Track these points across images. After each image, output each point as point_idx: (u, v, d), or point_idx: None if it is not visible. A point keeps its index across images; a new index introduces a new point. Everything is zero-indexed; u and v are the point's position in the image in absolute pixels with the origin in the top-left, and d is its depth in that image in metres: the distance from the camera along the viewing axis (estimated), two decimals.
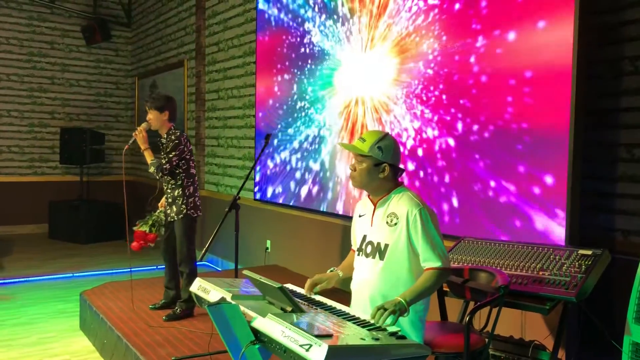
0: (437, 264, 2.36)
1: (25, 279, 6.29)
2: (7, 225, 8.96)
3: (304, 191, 5.40)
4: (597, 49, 3.21)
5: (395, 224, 2.41)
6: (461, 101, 3.75)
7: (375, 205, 2.51)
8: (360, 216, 2.62)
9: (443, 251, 2.40)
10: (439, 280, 2.39)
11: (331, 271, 2.67)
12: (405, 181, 4.03)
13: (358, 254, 2.57)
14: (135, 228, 4.37)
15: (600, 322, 2.95)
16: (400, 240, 2.40)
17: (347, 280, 2.65)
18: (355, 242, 2.65)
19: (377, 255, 2.46)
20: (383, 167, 2.44)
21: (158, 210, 4.41)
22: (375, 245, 2.47)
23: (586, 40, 3.11)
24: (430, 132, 3.98)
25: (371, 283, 2.46)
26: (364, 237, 2.54)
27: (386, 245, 2.43)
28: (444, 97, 3.88)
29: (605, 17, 3.19)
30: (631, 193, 3.09)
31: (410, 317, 2.34)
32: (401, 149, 3.37)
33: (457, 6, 3.78)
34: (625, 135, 3.12)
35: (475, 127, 3.64)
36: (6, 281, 6.16)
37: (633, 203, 3.08)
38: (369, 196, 2.58)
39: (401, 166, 2.53)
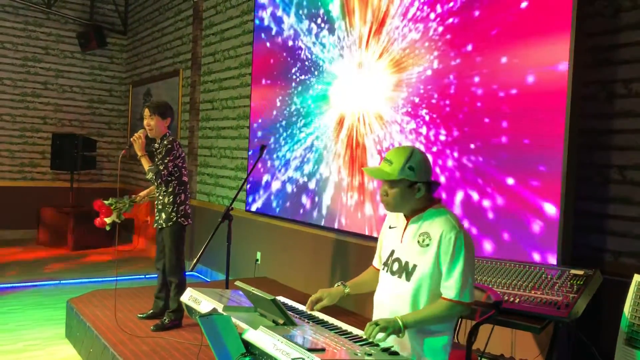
0: (453, 296, 2.19)
1: (12, 284, 6.22)
2: None
3: (295, 203, 5.39)
4: (591, 71, 3.25)
5: (428, 244, 2.23)
6: (457, 117, 3.77)
7: (408, 220, 2.34)
8: (390, 227, 2.45)
9: (468, 285, 2.21)
10: (450, 313, 2.22)
11: (337, 286, 2.51)
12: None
13: (383, 268, 2.42)
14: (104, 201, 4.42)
15: (591, 343, 2.96)
16: (430, 263, 2.23)
17: (356, 296, 2.53)
18: (381, 254, 2.50)
19: (404, 275, 2.29)
20: (418, 187, 2.26)
21: (130, 198, 4.43)
22: (403, 264, 2.30)
23: (581, 61, 3.15)
24: (426, 148, 3.99)
25: (393, 302, 2.31)
26: (392, 252, 2.38)
27: (414, 266, 2.26)
28: (436, 115, 3.90)
29: (600, 39, 3.23)
30: (622, 215, 3.11)
31: (432, 345, 2.26)
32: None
33: (453, 20, 3.82)
34: (617, 157, 3.15)
35: (470, 144, 3.66)
36: None
37: (624, 225, 3.10)
38: None
39: (435, 181, 2.36)
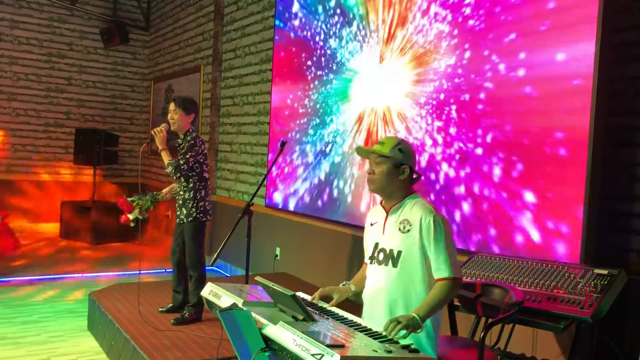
0: (448, 274, 2.33)
1: (35, 277, 6.32)
2: (19, 223, 9.03)
3: (314, 200, 5.39)
4: (617, 67, 3.19)
5: (408, 230, 2.39)
6: (477, 114, 3.73)
7: (387, 212, 2.49)
8: (371, 224, 2.59)
9: (455, 261, 2.37)
10: (451, 291, 2.36)
11: (343, 285, 2.64)
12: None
13: (370, 262, 2.54)
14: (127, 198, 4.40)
15: (614, 344, 2.91)
16: (414, 247, 2.38)
17: (360, 294, 2.63)
18: (368, 251, 2.62)
19: (390, 262, 2.43)
20: (403, 169, 2.43)
21: (152, 195, 4.43)
22: (388, 252, 2.44)
23: (607, 57, 3.09)
24: (447, 145, 3.96)
25: (386, 290, 2.43)
26: (376, 244, 2.52)
27: (399, 252, 2.41)
28: (461, 112, 3.87)
29: (627, 34, 3.17)
30: None
31: (426, 328, 2.32)
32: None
33: (472, 22, 3.77)
34: None
35: (491, 141, 3.62)
36: (16, 279, 6.19)
37: None
38: (381, 203, 2.55)
39: (418, 172, 2.52)
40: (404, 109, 4.37)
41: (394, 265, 2.41)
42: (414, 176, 2.49)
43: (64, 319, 4.98)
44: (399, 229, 2.41)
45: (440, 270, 2.35)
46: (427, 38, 4.14)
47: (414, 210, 2.40)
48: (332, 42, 5.24)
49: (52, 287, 6.01)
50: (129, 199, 4.38)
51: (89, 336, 4.60)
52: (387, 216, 2.48)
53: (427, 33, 4.15)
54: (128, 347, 3.78)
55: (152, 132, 4.20)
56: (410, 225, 2.39)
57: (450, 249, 2.36)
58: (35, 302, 5.43)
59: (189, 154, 4.12)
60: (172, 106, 4.24)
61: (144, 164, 9.87)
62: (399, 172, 2.42)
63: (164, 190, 4.53)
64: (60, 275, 6.46)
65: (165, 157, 4.16)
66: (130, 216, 4.33)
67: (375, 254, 2.50)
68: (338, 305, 2.54)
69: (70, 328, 4.76)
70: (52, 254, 7.61)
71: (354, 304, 2.71)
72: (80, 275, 6.56)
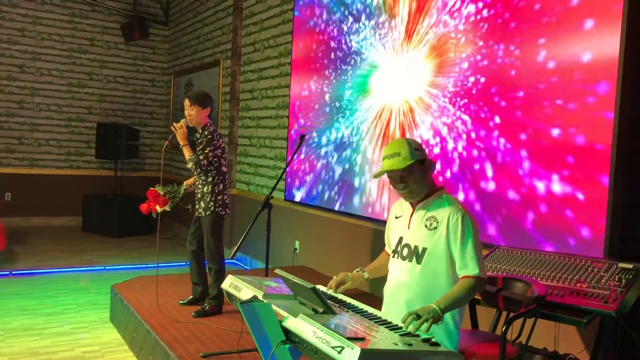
0: (474, 272, 2.32)
1: (59, 269, 6.42)
2: (43, 216, 9.18)
3: (334, 193, 5.38)
4: None
5: (435, 227, 2.37)
6: (501, 104, 3.69)
7: (413, 207, 2.48)
8: (396, 217, 2.58)
9: (481, 261, 2.35)
10: (475, 290, 2.34)
11: (357, 272, 2.65)
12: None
13: (393, 256, 2.54)
14: (152, 188, 4.35)
15: (639, 338, 2.86)
16: (439, 245, 2.36)
17: (373, 281, 2.64)
18: (390, 244, 2.62)
19: (415, 258, 2.41)
20: (428, 162, 2.43)
21: (180, 186, 4.41)
22: (413, 248, 2.43)
23: (633, 45, 3.02)
24: (469, 139, 3.92)
25: (408, 287, 2.42)
26: (400, 239, 2.50)
27: (424, 249, 2.39)
28: (481, 102, 3.83)
29: None
30: None
31: (445, 324, 2.30)
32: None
33: (495, 10, 3.72)
34: None
35: (515, 133, 3.58)
36: (40, 271, 6.30)
37: None
38: None
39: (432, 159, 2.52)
40: (425, 100, 4.34)
41: (418, 261, 2.40)
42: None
43: (86, 311, 5.05)
44: (425, 226, 2.40)
45: (466, 268, 2.33)
46: (446, 32, 4.10)
47: (442, 207, 2.39)
48: (352, 34, 5.21)
49: (75, 279, 6.10)
50: (161, 191, 4.32)
51: (111, 328, 4.66)
52: (413, 211, 2.47)
53: (445, 28, 4.10)
54: (149, 339, 3.82)
55: (172, 127, 4.23)
56: (438, 223, 2.37)
57: (477, 248, 2.34)
58: (59, 294, 5.51)
59: (208, 148, 4.15)
60: (187, 103, 4.26)
61: (165, 158, 9.94)
62: (426, 168, 2.42)
63: (189, 182, 4.47)
64: (82, 268, 6.56)
65: (187, 153, 4.20)
66: (159, 209, 4.31)
67: (399, 249, 2.49)
68: (359, 298, 2.54)
69: (93, 320, 4.83)
70: (75, 247, 7.71)
71: (374, 297, 2.71)
72: (103, 268, 6.65)
